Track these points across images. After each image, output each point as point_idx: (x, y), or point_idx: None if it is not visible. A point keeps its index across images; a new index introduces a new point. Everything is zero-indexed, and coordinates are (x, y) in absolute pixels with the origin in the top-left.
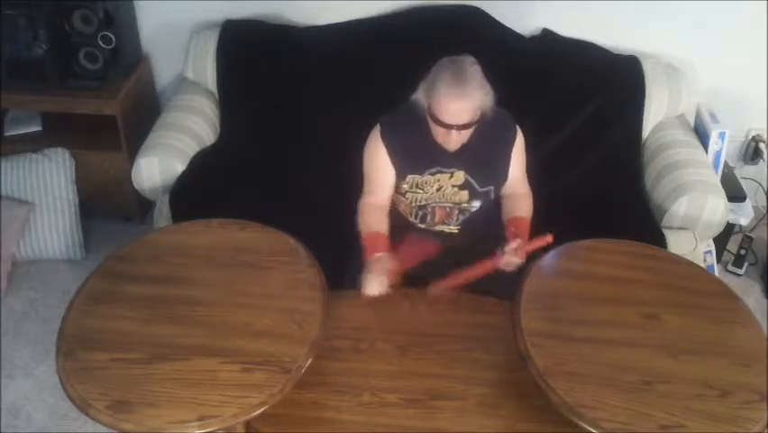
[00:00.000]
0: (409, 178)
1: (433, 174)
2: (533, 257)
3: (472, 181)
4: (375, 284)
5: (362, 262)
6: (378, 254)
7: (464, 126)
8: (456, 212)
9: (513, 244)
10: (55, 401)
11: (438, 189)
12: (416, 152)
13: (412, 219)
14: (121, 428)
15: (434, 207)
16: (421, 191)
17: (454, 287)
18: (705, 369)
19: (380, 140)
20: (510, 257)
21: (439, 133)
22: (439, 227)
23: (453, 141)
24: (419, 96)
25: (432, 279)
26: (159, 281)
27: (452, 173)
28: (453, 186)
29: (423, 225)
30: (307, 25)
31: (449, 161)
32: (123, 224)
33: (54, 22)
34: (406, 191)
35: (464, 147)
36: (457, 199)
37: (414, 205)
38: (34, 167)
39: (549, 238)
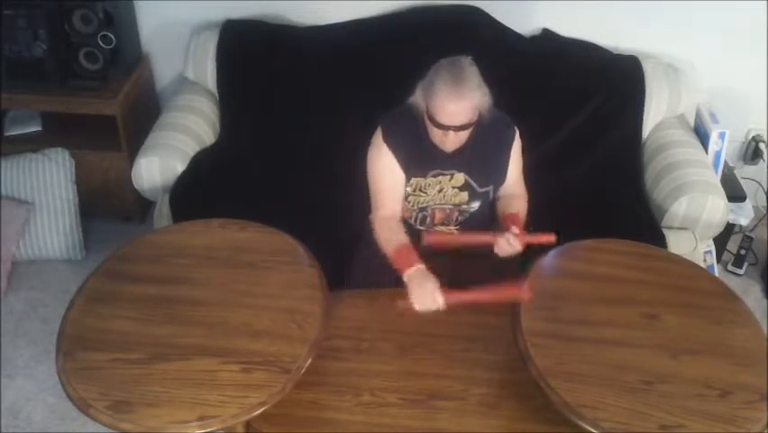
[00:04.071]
0: (413, 181)
1: (435, 176)
2: (532, 255)
3: (472, 182)
4: (429, 299)
5: (394, 276)
6: (418, 266)
7: (462, 127)
8: (456, 213)
9: (514, 230)
10: (55, 401)
11: (439, 191)
12: (418, 153)
13: (411, 222)
14: (121, 428)
15: (433, 210)
16: (423, 194)
17: (447, 245)
18: (705, 369)
19: (384, 143)
20: (509, 239)
21: (436, 135)
22: (438, 228)
23: (451, 142)
24: (417, 97)
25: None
26: (159, 281)
27: (451, 175)
28: (454, 187)
29: (422, 228)
30: (307, 25)
31: (448, 163)
32: (123, 224)
33: (54, 22)
34: (409, 194)
35: (463, 148)
36: (457, 201)
37: (415, 207)
38: (34, 167)
39: (551, 237)
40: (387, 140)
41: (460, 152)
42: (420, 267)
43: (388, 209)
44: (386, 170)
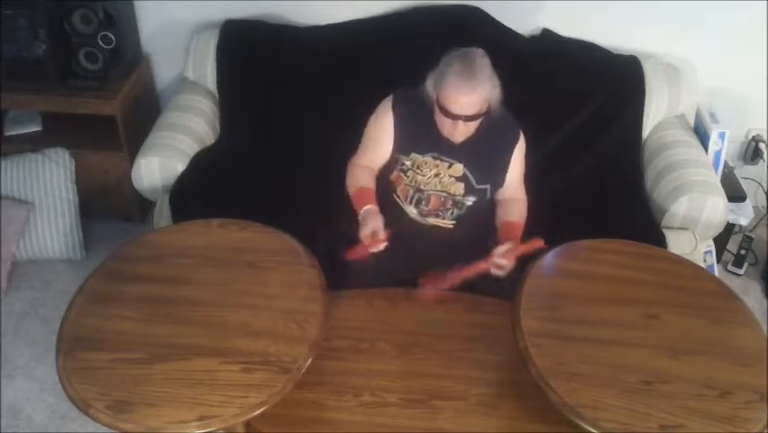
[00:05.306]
0: (413, 156)
1: (433, 158)
2: (528, 260)
3: (470, 176)
4: (369, 235)
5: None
6: (369, 206)
7: (471, 118)
8: (450, 203)
9: (501, 248)
10: (55, 401)
11: (436, 175)
12: (422, 132)
13: (407, 205)
14: (121, 428)
15: (429, 195)
16: (420, 173)
17: (445, 288)
18: (705, 369)
19: (391, 109)
20: (499, 260)
21: (445, 125)
22: (433, 220)
23: (459, 132)
24: (427, 87)
25: (422, 278)
26: (159, 281)
27: (451, 164)
28: (451, 176)
29: (416, 212)
30: (307, 25)
31: (451, 152)
32: (123, 224)
33: (54, 22)
34: (408, 169)
35: (468, 141)
36: (453, 190)
37: (412, 184)
38: (34, 167)
39: (539, 243)
40: (394, 108)
41: (464, 143)
42: (370, 207)
43: (367, 161)
44: (380, 136)
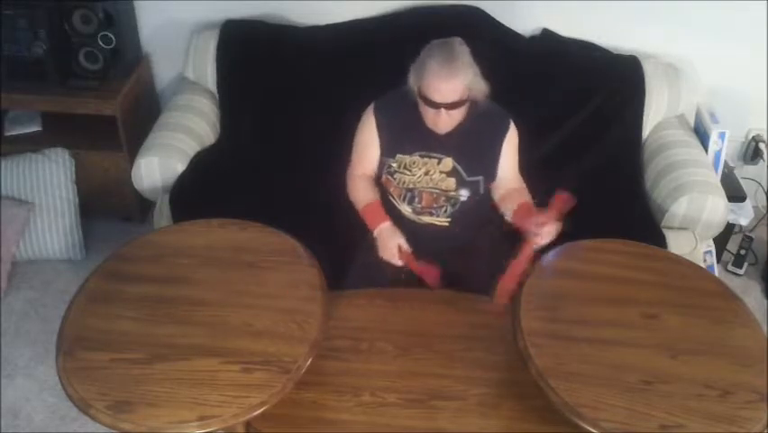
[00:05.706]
0: (398, 157)
1: (421, 156)
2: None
3: (460, 169)
4: (390, 253)
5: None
6: (385, 223)
7: (453, 105)
8: (443, 199)
9: (535, 219)
10: (55, 401)
11: (426, 173)
12: (407, 132)
13: (401, 203)
14: (121, 428)
15: (421, 192)
16: (408, 173)
17: (513, 289)
18: (705, 369)
19: (372, 115)
20: (540, 229)
21: (429, 115)
22: (428, 219)
23: (443, 122)
24: (409, 80)
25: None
26: (159, 281)
27: (440, 159)
28: (441, 172)
29: (410, 210)
30: (307, 25)
31: (439, 147)
32: (123, 224)
33: (54, 22)
34: (395, 171)
35: (454, 133)
36: (444, 186)
37: (402, 186)
38: (34, 167)
39: (566, 197)
40: (376, 113)
41: (451, 135)
42: (387, 224)
43: (360, 169)
44: (366, 141)
